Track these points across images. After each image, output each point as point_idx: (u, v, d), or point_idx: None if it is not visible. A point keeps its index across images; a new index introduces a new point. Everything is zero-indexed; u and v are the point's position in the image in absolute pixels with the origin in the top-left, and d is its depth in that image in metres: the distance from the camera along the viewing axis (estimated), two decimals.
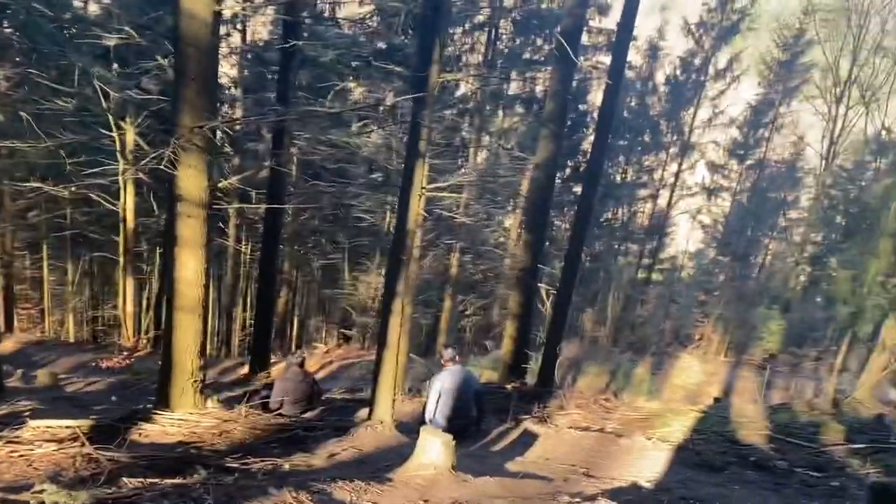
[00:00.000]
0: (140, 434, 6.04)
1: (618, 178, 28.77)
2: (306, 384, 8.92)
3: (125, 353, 18.68)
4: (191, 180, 6.18)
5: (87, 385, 12.77)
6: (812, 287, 22.53)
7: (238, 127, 19.31)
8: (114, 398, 9.58)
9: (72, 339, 24.16)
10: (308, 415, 8.99)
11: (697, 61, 27.32)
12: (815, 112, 28.15)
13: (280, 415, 7.86)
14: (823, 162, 25.82)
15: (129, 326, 20.48)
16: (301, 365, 9.14)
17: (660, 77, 28.65)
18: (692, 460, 7.40)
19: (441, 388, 7.74)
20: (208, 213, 6.52)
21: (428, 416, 7.78)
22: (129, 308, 20.53)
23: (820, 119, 27.31)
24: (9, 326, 22.06)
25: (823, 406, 10.96)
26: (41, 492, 3.41)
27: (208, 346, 24.96)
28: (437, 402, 7.68)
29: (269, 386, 9.24)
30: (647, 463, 7.20)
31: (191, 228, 6.32)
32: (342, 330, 23.11)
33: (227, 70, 23.12)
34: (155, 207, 19.09)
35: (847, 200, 13.36)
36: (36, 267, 25.68)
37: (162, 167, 6.05)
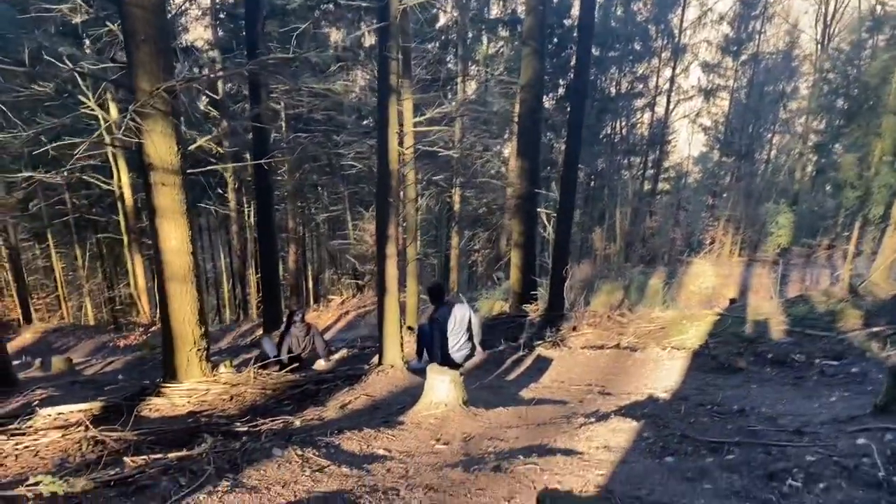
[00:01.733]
0: (150, 409, 6.02)
1: (612, 90, 28.16)
2: (309, 336, 9.01)
3: (142, 330, 18.86)
4: (159, 146, 5.96)
5: (105, 366, 12.87)
6: (819, 176, 22.15)
7: (220, 88, 18.92)
8: (120, 376, 9.60)
9: (92, 322, 24.41)
10: (323, 364, 9.06)
11: None
12: None
13: (291, 369, 7.84)
14: (819, 47, 24.94)
15: (143, 303, 20.62)
16: (302, 319, 9.20)
17: None
18: (709, 365, 7.34)
19: (440, 327, 7.61)
20: (184, 179, 6.33)
21: (435, 358, 7.72)
22: (141, 284, 20.63)
23: (812, 2, 26.32)
24: (27, 317, 22.26)
25: (840, 293, 10.82)
26: (37, 483, 3.34)
27: (227, 314, 25.38)
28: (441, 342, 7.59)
29: (256, 344, 9.34)
30: (664, 373, 7.15)
31: (167, 196, 6.13)
32: (354, 280, 23.12)
33: (202, 33, 22.57)
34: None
35: (847, 83, 12.91)
36: (45, 256, 25.79)
37: (124, 137, 5.83)
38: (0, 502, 3.23)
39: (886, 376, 4.03)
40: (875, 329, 7.54)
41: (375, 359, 8.56)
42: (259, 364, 8.17)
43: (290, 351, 8.86)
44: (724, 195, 25.44)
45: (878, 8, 18.92)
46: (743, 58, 28.30)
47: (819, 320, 8.73)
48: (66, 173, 17.47)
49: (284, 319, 9.89)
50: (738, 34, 27.80)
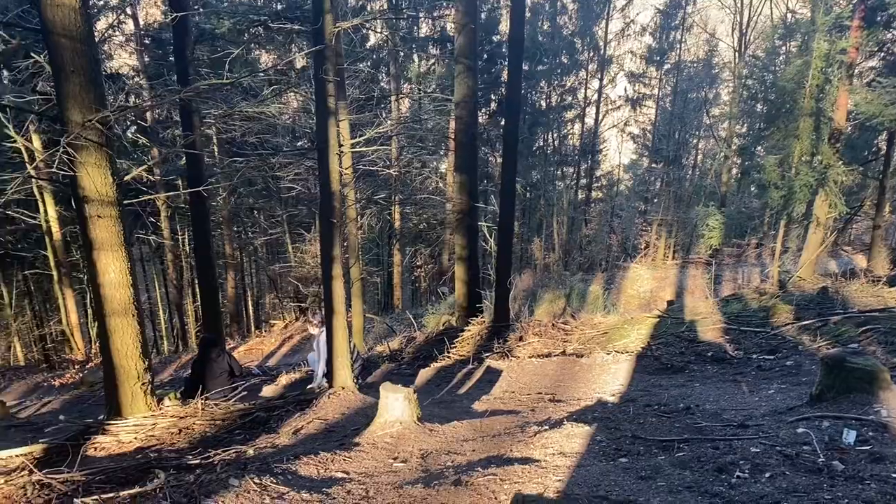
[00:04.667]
0: (95, 448, 5.83)
1: (543, 103, 28.73)
2: (222, 360, 8.95)
3: (78, 367, 18.17)
4: (93, 179, 5.81)
5: (42, 407, 12.34)
6: (744, 178, 23.07)
7: (148, 115, 18.52)
8: (62, 417, 9.24)
9: (22, 363, 23.34)
10: (271, 389, 8.99)
11: None
12: (721, 6, 28.39)
13: (206, 397, 7.71)
14: (737, 54, 26.15)
15: (77, 339, 19.86)
16: (213, 344, 9.13)
17: None
18: (653, 366, 7.57)
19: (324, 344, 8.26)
20: (121, 210, 6.18)
21: (322, 370, 8.63)
22: (74, 320, 19.88)
23: (728, 12, 27.56)
24: None
25: (771, 289, 11.32)
26: None
27: (165, 344, 24.68)
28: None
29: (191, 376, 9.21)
30: (610, 377, 7.33)
31: (104, 229, 5.98)
32: (296, 303, 22.84)
33: (127, 59, 22.06)
34: (76, 211, 18.29)
35: (764, 88, 13.53)
36: None
37: (58, 171, 5.67)
38: None
39: (819, 367, 4.27)
40: (805, 322, 7.93)
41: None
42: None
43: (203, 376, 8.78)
44: (655, 200, 26.24)
45: (789, 16, 19.94)
46: (666, 67, 29.34)
47: (753, 317, 9.11)
48: None
49: (198, 349, 9.78)
50: (660, 44, 28.81)
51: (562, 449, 3.94)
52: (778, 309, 9.10)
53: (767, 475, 3.08)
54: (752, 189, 22.11)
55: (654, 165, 28.74)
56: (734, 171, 25.24)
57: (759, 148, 15.49)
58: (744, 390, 5.70)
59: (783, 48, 17.65)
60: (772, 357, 7.00)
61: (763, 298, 10.20)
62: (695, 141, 30.53)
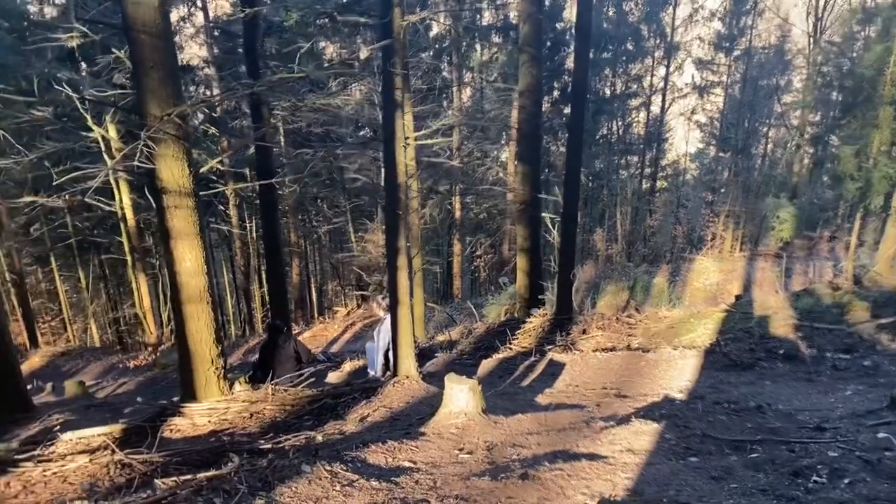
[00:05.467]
0: (171, 430, 6.07)
1: (607, 91, 28.22)
2: (289, 346, 9.17)
3: (150, 350, 18.89)
4: (171, 170, 6.04)
5: (118, 388, 12.91)
6: (817, 168, 22.24)
7: (218, 108, 19.03)
8: (139, 398, 9.64)
9: (97, 345, 24.41)
10: (336, 376, 9.19)
11: None
12: None
13: (275, 382, 7.91)
14: (811, 40, 25.09)
15: (149, 322, 20.63)
16: (280, 330, 9.35)
17: None
18: (721, 362, 7.40)
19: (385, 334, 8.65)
20: (197, 201, 6.41)
21: (381, 362, 8.76)
22: (147, 304, 20.63)
23: None
24: (33, 342, 22.28)
25: (845, 285, 10.89)
26: None
27: (232, 328, 25.42)
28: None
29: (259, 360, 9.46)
30: (677, 373, 7.20)
31: (181, 219, 6.21)
32: (358, 291, 23.17)
33: (197, 51, 22.67)
34: (153, 202, 18.99)
35: (840, 75, 12.97)
36: (48, 279, 25.82)
37: (139, 164, 5.90)
38: None
39: None
40: (883, 321, 7.62)
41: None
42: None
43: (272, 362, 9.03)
44: (723, 190, 25.50)
45: (869, 0, 19.05)
46: (736, 53, 28.39)
47: (826, 313, 8.79)
48: (67, 197, 17.55)
49: (267, 335, 10.02)
50: (729, 30, 27.89)
51: (630, 446, 3.90)
52: (853, 305, 8.76)
53: (847, 481, 2.99)
54: (825, 180, 21.28)
55: (721, 154, 27.91)
56: (806, 161, 24.34)
57: (833, 137, 14.90)
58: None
59: (861, 33, 16.87)
60: (847, 356, 6.76)
61: (837, 294, 9.82)
62: (765, 130, 29.49)
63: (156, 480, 4.03)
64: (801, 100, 22.54)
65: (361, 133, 20.89)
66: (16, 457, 5.05)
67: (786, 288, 13.80)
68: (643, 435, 4.08)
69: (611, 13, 27.21)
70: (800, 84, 27.78)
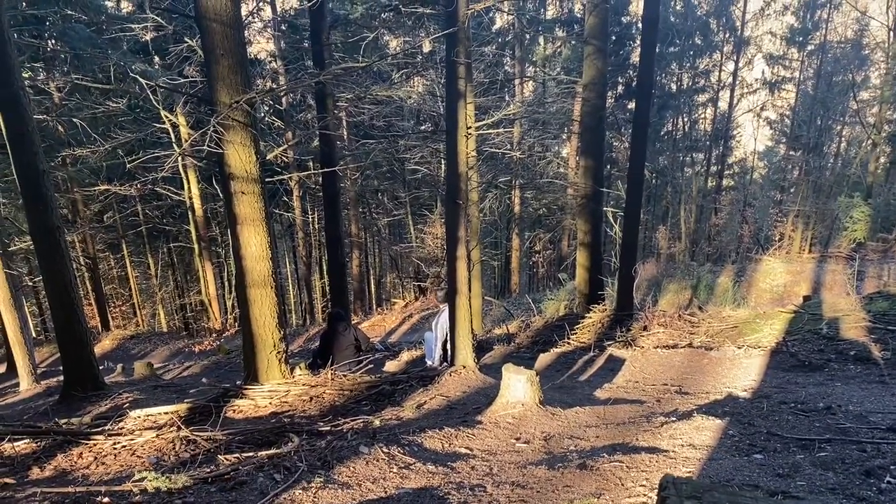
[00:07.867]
0: (234, 411, 6.23)
1: (673, 86, 27.66)
2: (348, 334, 9.28)
3: (214, 335, 19.46)
4: (239, 156, 6.19)
5: (184, 370, 13.34)
6: (894, 167, 21.28)
7: (283, 99, 19.41)
8: (204, 380, 9.94)
9: (165, 329, 25.27)
10: (394, 364, 9.29)
11: None
12: None
13: (334, 368, 8.02)
14: (891, 33, 23.96)
15: (214, 309, 21.25)
16: (341, 318, 9.48)
17: None
18: (788, 363, 7.16)
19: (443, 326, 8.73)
20: (263, 187, 6.55)
21: (438, 352, 8.79)
22: (212, 291, 21.26)
23: None
24: (105, 325, 23.19)
25: None
26: (142, 479, 3.53)
27: (294, 317, 25.94)
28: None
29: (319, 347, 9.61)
30: (741, 372, 7.00)
31: (247, 205, 6.36)
32: (416, 283, 23.34)
33: (265, 45, 23.18)
34: (220, 191, 19.55)
35: None
36: (120, 265, 26.85)
37: (209, 148, 6.07)
38: (111, 498, 3.42)
39: None
40: None
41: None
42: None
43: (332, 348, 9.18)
44: (792, 190, 24.71)
45: None
46: (809, 48, 27.43)
47: None
48: (139, 185, 18.22)
49: (327, 322, 10.13)
50: (803, 24, 26.98)
51: (691, 441, 3.81)
52: None
53: None
54: None
55: (792, 153, 27.01)
56: (882, 159, 23.30)
57: None
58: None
59: None
60: None
61: None
62: (839, 127, 28.40)
63: (219, 456, 4.15)
64: (880, 96, 21.60)
65: (423, 127, 21.02)
66: (88, 430, 5.27)
67: (858, 291, 13.26)
68: (705, 430, 3.99)
69: (678, 7, 26.66)
70: (877, 80, 26.63)
